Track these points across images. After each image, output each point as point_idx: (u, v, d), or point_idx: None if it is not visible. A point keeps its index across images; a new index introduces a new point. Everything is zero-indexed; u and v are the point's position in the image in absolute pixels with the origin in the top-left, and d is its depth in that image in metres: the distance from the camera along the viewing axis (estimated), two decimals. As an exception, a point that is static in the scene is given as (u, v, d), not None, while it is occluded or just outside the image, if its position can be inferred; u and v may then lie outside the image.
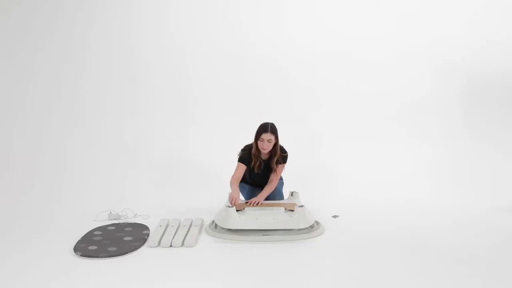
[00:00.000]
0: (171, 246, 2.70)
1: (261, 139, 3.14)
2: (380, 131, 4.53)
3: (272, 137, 3.14)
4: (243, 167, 3.25)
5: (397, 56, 4.65)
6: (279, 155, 3.25)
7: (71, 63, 4.58)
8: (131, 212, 3.49)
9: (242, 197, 3.48)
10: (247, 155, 3.26)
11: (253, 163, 3.25)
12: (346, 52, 4.67)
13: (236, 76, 4.66)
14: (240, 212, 2.96)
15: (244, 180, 3.40)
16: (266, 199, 3.40)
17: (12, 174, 4.11)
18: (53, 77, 4.55)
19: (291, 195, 3.36)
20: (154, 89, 4.62)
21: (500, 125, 4.49)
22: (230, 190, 3.40)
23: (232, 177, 3.24)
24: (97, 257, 2.51)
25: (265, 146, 3.15)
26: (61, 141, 4.37)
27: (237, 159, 3.28)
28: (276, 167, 3.28)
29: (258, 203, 3.12)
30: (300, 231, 2.86)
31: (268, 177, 3.33)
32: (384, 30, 4.69)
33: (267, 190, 3.26)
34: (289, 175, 3.49)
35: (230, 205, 2.99)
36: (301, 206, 2.96)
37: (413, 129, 4.55)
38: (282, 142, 3.32)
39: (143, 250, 2.66)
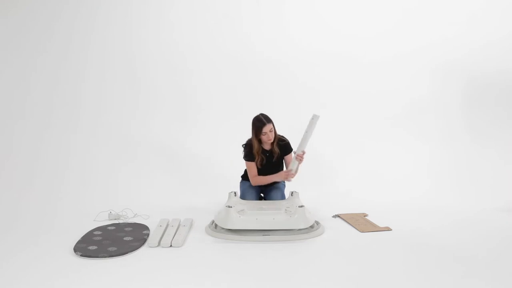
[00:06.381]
0: (171, 246, 2.70)
1: (264, 133, 3.22)
2: (380, 130, 4.53)
3: (271, 126, 3.24)
4: (254, 164, 3.34)
5: (397, 55, 4.65)
6: (277, 139, 3.33)
7: (72, 63, 4.58)
8: (131, 212, 3.49)
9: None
10: (250, 152, 3.32)
11: (256, 159, 3.30)
12: (347, 52, 4.67)
13: (237, 77, 4.66)
14: (240, 212, 2.97)
15: (247, 179, 3.44)
16: (267, 199, 3.41)
17: (12, 173, 4.11)
18: (54, 77, 4.55)
19: (291, 195, 3.36)
20: (155, 89, 4.62)
21: (500, 124, 4.48)
22: (230, 190, 3.42)
23: (252, 178, 3.34)
24: (97, 257, 2.51)
25: (271, 137, 3.25)
26: (61, 141, 4.38)
27: (244, 158, 3.36)
28: (286, 158, 3.38)
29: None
30: (300, 231, 2.86)
31: (272, 169, 3.38)
32: (384, 29, 4.69)
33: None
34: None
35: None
36: (301, 206, 2.96)
37: (413, 128, 4.54)
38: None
39: (143, 250, 2.67)
